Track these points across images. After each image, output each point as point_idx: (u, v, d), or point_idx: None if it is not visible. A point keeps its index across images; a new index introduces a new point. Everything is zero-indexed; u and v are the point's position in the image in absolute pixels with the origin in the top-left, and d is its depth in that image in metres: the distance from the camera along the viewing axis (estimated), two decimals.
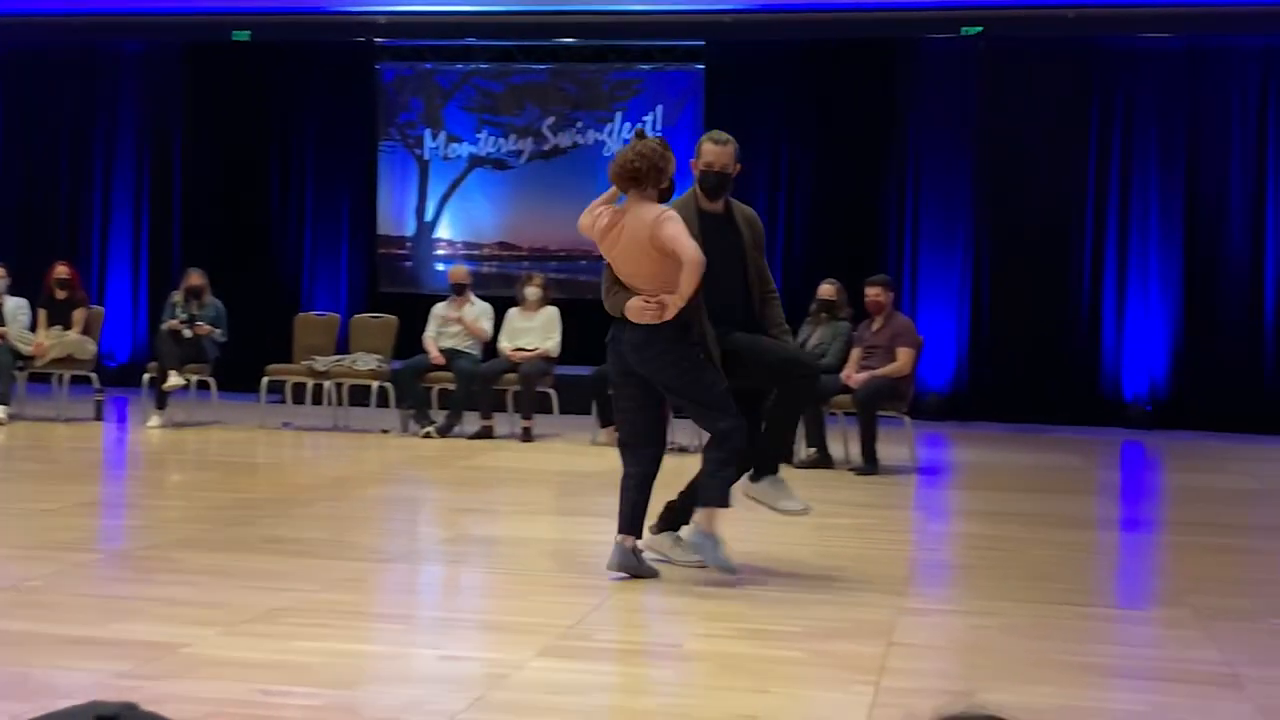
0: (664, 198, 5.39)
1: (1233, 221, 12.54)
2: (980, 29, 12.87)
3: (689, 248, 5.12)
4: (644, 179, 5.27)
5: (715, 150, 5.53)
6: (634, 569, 5.30)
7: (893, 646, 4.38)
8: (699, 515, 5.35)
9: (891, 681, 3.96)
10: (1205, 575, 5.77)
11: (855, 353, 9.29)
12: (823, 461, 9.02)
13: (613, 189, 5.42)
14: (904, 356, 9.13)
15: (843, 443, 9.40)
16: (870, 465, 8.81)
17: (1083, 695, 3.92)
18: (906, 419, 9.33)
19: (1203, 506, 7.91)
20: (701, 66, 13.42)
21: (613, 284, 5.38)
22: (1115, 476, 9.68)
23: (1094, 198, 12.74)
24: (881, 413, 9.04)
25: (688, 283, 5.13)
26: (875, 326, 9.31)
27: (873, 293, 9.33)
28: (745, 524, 7.02)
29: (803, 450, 9.16)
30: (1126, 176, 12.72)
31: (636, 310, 5.23)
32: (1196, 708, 3.83)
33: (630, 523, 5.35)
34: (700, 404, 5.32)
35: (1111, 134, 12.72)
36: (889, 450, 9.09)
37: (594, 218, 5.42)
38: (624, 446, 5.49)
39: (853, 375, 9.09)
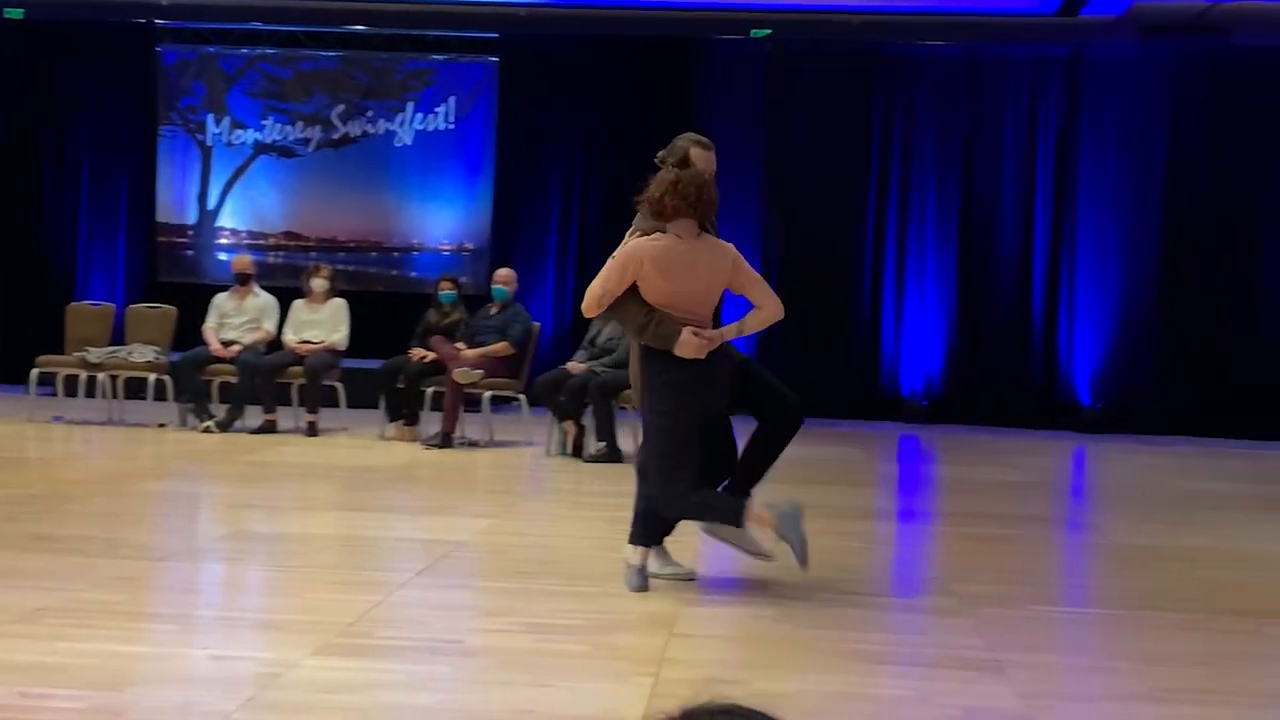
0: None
1: (1004, 225, 13.04)
2: (769, 31, 13.12)
3: (775, 296, 5.16)
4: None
5: (706, 156, 5.27)
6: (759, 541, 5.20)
7: (674, 637, 4.44)
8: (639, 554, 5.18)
9: (671, 672, 4.01)
10: (973, 564, 5.99)
11: None
12: (612, 455, 9.07)
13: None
14: None
15: (634, 437, 9.47)
16: None
17: (853, 682, 4.03)
18: None
19: (972, 498, 8.21)
20: (496, 59, 13.37)
21: (650, 313, 4.98)
22: (893, 469, 9.98)
23: (876, 198, 13.11)
24: None
25: (758, 326, 5.16)
26: None
27: None
28: (531, 518, 7.04)
29: (592, 444, 9.21)
30: (907, 178, 13.13)
31: (695, 346, 4.95)
32: (960, 692, 3.97)
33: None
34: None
35: (893, 137, 13.11)
36: None
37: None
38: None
39: None
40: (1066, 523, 7.84)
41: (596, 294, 5.06)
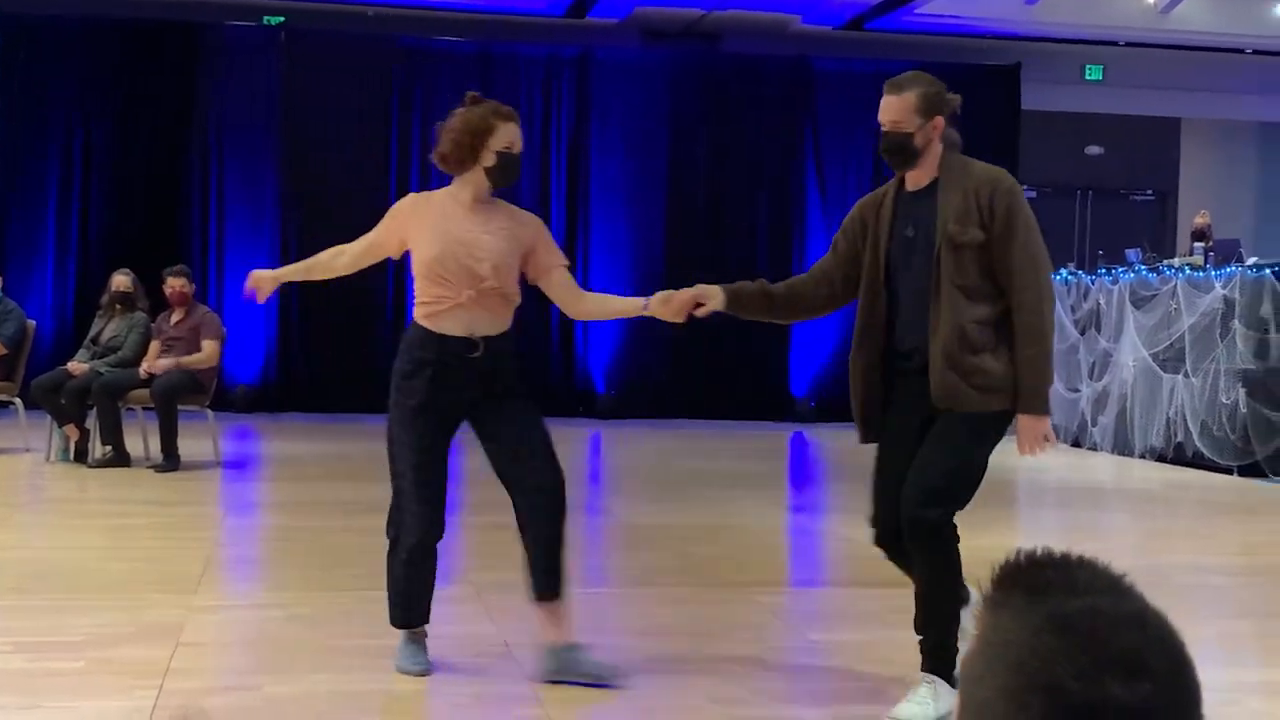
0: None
1: None
2: (283, 19, 12.87)
3: None
4: None
5: (884, 102, 3.86)
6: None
7: (181, 647, 4.31)
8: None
9: (176, 683, 3.90)
10: (488, 553, 6.13)
11: (155, 345, 9.00)
12: (119, 459, 8.66)
13: None
14: (208, 348, 8.97)
15: (142, 439, 9.08)
16: (171, 461, 8.57)
17: (362, 679, 4.06)
18: (209, 412, 9.16)
19: (493, 488, 8.38)
20: None
21: None
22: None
23: (396, 188, 13.14)
24: (183, 407, 8.82)
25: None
26: (176, 318, 9.07)
27: (176, 284, 9.08)
28: (27, 530, 6.63)
29: (97, 449, 8.76)
30: (426, 171, 13.22)
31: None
32: (470, 680, 4.10)
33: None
34: None
35: (411, 131, 13.17)
36: (192, 445, 8.89)
37: None
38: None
39: (154, 363, 8.79)
40: (584, 507, 8.17)
41: None
